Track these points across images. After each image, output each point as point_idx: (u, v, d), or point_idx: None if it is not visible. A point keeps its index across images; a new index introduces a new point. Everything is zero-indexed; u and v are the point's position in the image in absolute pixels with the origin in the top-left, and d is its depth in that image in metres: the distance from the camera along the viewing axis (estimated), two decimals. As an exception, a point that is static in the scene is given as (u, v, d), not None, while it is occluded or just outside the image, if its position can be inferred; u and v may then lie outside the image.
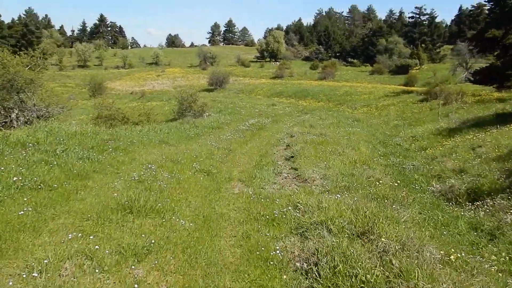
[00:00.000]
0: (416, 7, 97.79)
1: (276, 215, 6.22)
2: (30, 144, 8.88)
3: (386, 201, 6.93)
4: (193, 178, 8.26)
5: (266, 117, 28.25)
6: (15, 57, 18.86)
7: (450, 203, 7.74)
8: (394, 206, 6.62)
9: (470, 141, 12.98)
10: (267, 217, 6.19)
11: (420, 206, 7.34)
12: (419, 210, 6.99)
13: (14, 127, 17.17)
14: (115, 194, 6.51)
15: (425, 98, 33.80)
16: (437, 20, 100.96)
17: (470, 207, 7.45)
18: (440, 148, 13.06)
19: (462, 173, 9.36)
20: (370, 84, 58.01)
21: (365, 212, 5.60)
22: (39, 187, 6.40)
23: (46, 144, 9.13)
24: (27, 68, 19.34)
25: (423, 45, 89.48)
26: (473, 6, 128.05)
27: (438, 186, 8.66)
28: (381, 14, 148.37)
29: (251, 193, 7.55)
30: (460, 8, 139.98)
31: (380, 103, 36.09)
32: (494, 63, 35.20)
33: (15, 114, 17.71)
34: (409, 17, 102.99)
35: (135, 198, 6.02)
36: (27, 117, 18.05)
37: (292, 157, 11.28)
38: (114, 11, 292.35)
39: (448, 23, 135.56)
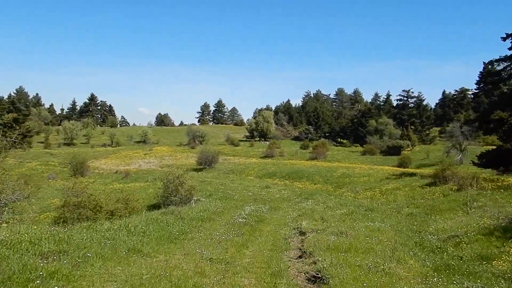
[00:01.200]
0: (403, 90, 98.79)
1: None
2: None
3: None
4: None
5: (262, 202, 24.72)
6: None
7: None
8: None
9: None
10: None
11: None
12: None
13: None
14: None
15: (432, 182, 30.75)
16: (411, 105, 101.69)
17: None
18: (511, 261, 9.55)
19: None
20: (364, 164, 55.44)
21: None
22: None
23: None
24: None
25: (412, 126, 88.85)
26: (456, 91, 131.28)
27: None
28: (367, 97, 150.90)
29: None
30: (443, 93, 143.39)
31: (383, 187, 32.90)
32: (504, 145, 33.01)
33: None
34: (397, 100, 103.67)
35: None
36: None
37: (320, 279, 7.67)
38: (105, 91, 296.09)
39: (433, 106, 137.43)
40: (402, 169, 45.57)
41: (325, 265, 7.98)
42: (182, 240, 11.32)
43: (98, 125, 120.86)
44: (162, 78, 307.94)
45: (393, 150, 74.57)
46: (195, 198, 25.39)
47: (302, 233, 13.05)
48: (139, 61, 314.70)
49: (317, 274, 7.90)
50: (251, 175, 48.40)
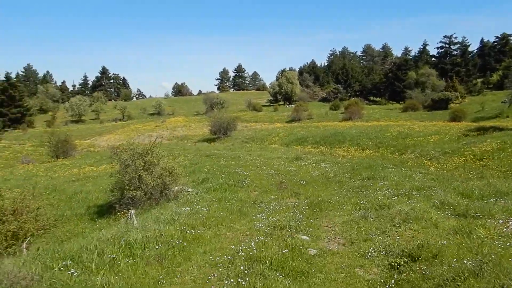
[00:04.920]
0: (445, 36, 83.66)
1: None
2: None
3: None
4: None
5: (293, 190, 13.23)
6: None
7: None
8: None
9: None
10: None
11: None
12: None
13: None
14: None
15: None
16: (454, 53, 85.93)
17: None
18: None
19: None
20: (408, 122, 42.95)
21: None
22: None
23: None
24: None
25: (457, 77, 74.89)
26: (497, 37, 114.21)
27: None
28: (397, 52, 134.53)
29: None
30: (481, 41, 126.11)
31: (473, 148, 20.98)
32: None
33: None
34: (437, 47, 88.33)
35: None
36: None
37: None
38: (130, 70, 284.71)
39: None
40: (475, 124, 33.26)
41: None
42: None
43: (112, 100, 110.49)
44: (181, 50, 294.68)
45: (439, 104, 61.64)
46: (176, 188, 14.14)
47: None
48: (156, 36, 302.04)
49: None
50: (276, 143, 36.88)
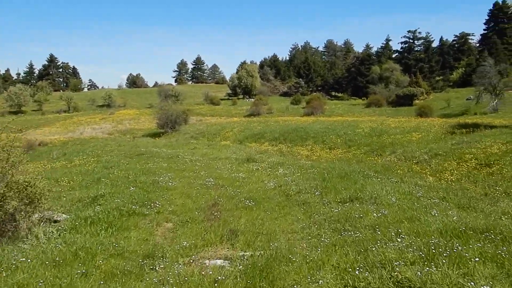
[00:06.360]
0: (408, 31, 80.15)
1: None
2: None
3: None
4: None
5: (229, 224, 7.61)
6: None
7: None
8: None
9: None
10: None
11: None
12: None
13: None
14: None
15: None
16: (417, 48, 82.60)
17: None
18: None
19: None
20: (373, 117, 38.71)
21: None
22: None
23: None
24: None
25: (420, 73, 71.89)
26: (456, 36, 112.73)
27: None
28: (358, 48, 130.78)
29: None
30: (440, 39, 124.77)
31: (477, 151, 16.08)
32: None
33: None
34: (402, 42, 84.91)
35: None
36: None
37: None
38: (87, 61, 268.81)
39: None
40: (455, 120, 29.19)
41: None
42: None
43: (60, 90, 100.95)
44: (139, 41, 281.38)
45: (404, 100, 58.18)
46: (37, 216, 8.27)
47: None
48: (114, 26, 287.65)
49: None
50: (228, 139, 31.30)
